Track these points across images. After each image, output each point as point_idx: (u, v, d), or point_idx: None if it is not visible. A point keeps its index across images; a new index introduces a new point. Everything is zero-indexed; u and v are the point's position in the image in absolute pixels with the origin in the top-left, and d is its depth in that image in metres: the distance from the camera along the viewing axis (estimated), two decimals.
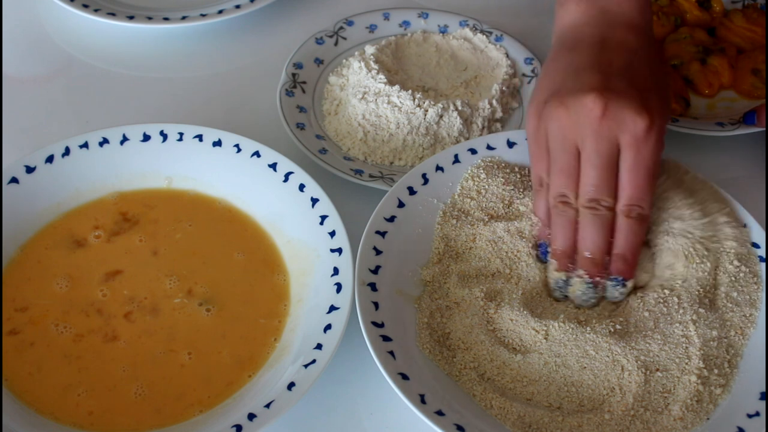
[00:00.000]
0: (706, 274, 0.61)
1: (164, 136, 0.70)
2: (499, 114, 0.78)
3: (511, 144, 0.70)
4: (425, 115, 0.74)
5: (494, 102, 0.78)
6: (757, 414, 0.56)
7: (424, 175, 0.67)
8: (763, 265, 0.63)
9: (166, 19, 0.85)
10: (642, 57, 0.60)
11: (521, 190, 0.66)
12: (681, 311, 0.59)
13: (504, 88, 0.79)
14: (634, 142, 0.56)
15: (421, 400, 0.54)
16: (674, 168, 0.67)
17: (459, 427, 0.53)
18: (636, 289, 0.62)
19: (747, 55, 0.84)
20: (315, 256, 0.64)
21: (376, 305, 0.59)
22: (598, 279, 0.60)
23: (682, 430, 0.55)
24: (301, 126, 0.76)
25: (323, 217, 0.65)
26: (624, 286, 0.61)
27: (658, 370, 0.57)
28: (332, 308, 0.60)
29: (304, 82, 0.80)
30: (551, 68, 0.62)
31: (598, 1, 0.62)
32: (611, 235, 0.59)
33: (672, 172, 0.67)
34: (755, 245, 0.64)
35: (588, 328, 0.58)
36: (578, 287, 0.61)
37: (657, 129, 0.57)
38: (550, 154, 0.60)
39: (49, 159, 0.67)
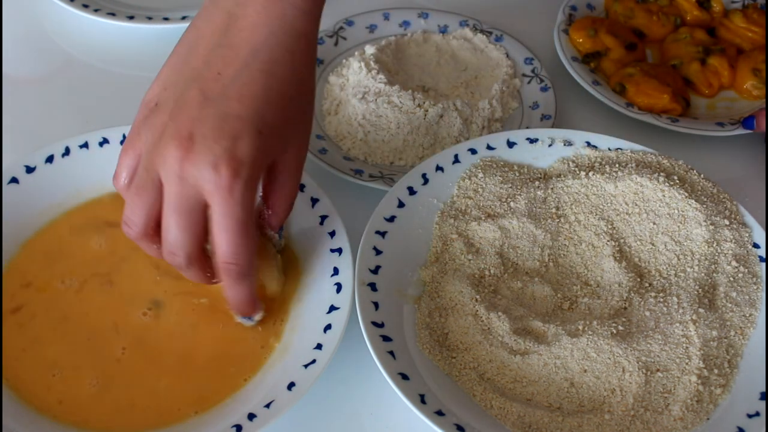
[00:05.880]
0: (703, 274, 0.61)
1: None
2: (499, 114, 0.78)
3: (511, 144, 0.70)
4: (425, 115, 0.74)
5: (494, 102, 0.78)
6: (757, 414, 0.56)
7: (424, 175, 0.67)
8: (764, 265, 0.63)
9: (166, 19, 0.85)
10: (260, 68, 0.52)
11: (519, 187, 0.67)
12: (681, 311, 0.59)
13: (504, 88, 0.79)
14: (217, 194, 0.50)
15: (421, 400, 0.54)
16: (676, 166, 0.67)
17: (459, 428, 0.53)
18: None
19: (747, 55, 0.84)
20: (315, 256, 0.64)
21: (376, 305, 0.59)
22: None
23: (682, 430, 0.55)
24: None
25: (323, 217, 0.65)
26: (251, 320, 0.60)
27: (658, 370, 0.57)
28: (332, 308, 0.60)
29: None
30: (174, 55, 0.55)
31: None
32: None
33: (674, 170, 0.67)
34: (755, 245, 0.64)
35: (589, 331, 0.58)
36: None
37: (245, 179, 0.50)
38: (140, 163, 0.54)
39: (49, 159, 0.67)
